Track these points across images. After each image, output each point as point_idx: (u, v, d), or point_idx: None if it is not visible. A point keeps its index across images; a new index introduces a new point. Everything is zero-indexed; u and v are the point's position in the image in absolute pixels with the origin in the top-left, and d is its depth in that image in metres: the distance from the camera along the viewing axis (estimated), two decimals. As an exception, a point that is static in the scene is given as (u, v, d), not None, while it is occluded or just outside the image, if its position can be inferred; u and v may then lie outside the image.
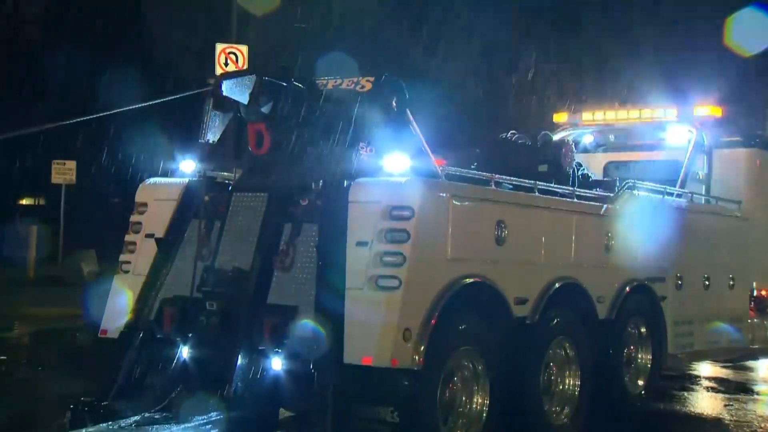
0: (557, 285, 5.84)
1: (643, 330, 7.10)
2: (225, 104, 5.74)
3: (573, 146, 7.56)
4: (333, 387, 4.62)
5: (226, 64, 15.10)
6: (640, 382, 7.06)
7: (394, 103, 5.31)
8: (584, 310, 6.22)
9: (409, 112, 5.28)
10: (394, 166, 5.08)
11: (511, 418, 5.41)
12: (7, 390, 7.71)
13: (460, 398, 5.20)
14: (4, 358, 9.46)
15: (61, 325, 12.23)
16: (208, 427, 4.71)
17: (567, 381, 6.08)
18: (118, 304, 5.64)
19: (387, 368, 4.61)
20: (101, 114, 7.89)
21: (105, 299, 5.77)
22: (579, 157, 7.95)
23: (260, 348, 4.95)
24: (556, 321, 5.88)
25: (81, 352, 8.96)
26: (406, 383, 4.61)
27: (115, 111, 7.57)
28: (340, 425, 4.61)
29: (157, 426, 4.70)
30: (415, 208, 4.85)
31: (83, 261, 17.34)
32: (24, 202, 28.77)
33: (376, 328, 4.69)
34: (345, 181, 5.09)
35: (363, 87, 5.52)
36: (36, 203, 27.96)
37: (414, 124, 5.25)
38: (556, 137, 8.13)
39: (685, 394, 8.31)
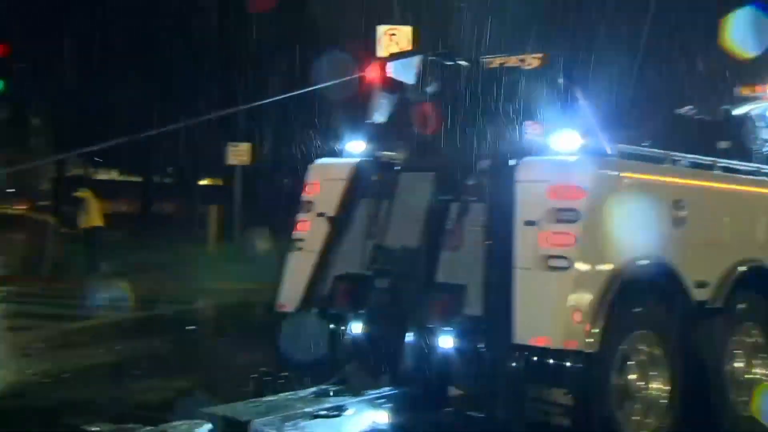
0: (742, 268, 5.50)
1: None
2: (392, 85, 5.84)
3: (758, 121, 7.05)
4: (503, 367, 4.63)
5: (389, 46, 15.29)
6: None
7: (562, 80, 5.20)
8: (776, 294, 5.81)
9: (578, 88, 5.14)
10: (564, 144, 4.98)
11: (694, 407, 5.18)
12: (195, 359, 8.33)
13: (637, 383, 5.03)
14: (194, 327, 10.20)
15: (239, 299, 13.01)
16: (381, 401, 4.84)
17: (757, 370, 5.72)
18: (293, 279, 5.88)
19: (559, 350, 4.55)
20: (274, 98, 8.25)
21: (280, 275, 6.05)
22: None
23: (429, 326, 5.03)
24: (741, 306, 5.54)
25: (259, 324, 9.48)
26: (580, 365, 4.53)
27: (287, 95, 7.89)
28: (511, 405, 4.62)
29: (333, 398, 4.89)
30: (586, 187, 4.73)
31: (257, 238, 18.28)
32: (203, 182, 30.68)
33: (546, 309, 4.64)
34: (512, 160, 5.04)
35: (530, 64, 5.44)
36: (214, 183, 29.69)
37: (584, 100, 5.11)
38: (737, 112, 7.61)
39: None
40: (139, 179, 31.47)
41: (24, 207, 24.88)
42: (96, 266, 15.13)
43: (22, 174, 24.28)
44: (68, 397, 6.51)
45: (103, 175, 31.89)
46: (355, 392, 4.95)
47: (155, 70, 23.90)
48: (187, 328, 10.13)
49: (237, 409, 4.72)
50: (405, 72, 5.71)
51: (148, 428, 4.60)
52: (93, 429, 4.87)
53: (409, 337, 5.03)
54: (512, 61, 5.55)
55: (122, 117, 22.15)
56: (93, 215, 15.39)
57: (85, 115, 24.11)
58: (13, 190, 26.63)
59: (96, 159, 27.74)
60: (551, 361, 4.57)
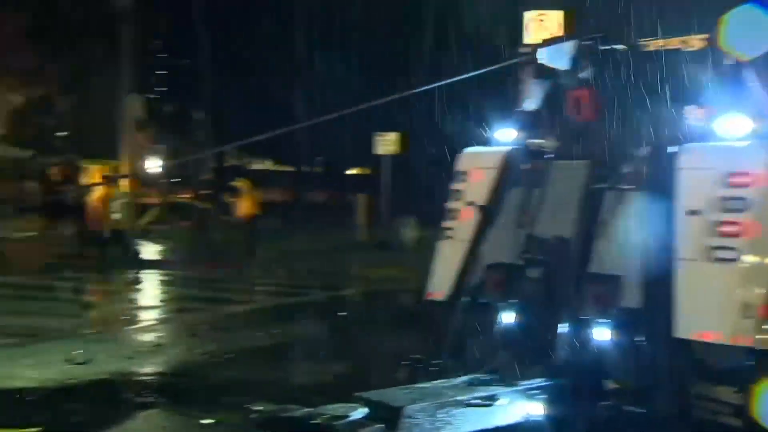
0: None
1: None
2: (543, 72, 5.74)
3: None
4: (664, 361, 4.46)
5: (538, 31, 15.00)
6: None
7: (729, 62, 4.90)
8: None
9: (748, 69, 4.83)
10: (731, 129, 4.70)
11: None
12: (347, 344, 8.57)
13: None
14: (345, 313, 10.49)
15: (389, 286, 13.25)
16: (534, 392, 4.78)
17: None
18: (443, 268, 5.91)
19: (726, 346, 4.32)
20: (424, 88, 8.29)
21: (428, 263, 6.11)
22: None
23: (584, 317, 4.92)
24: None
25: (409, 311, 9.63)
26: (751, 363, 4.28)
27: (436, 84, 7.90)
28: (674, 402, 4.44)
29: (485, 387, 4.87)
30: (757, 174, 4.45)
31: (405, 227, 18.51)
32: (352, 172, 31.39)
33: (712, 303, 4.41)
34: (673, 147, 4.83)
35: (692, 46, 5.18)
36: (363, 173, 30.30)
37: (754, 82, 4.79)
38: None
39: None
40: (290, 169, 32.64)
41: (188, 196, 26.49)
42: (253, 253, 15.82)
43: (186, 165, 25.81)
44: (232, 377, 6.89)
45: (257, 165, 33.31)
46: (508, 382, 4.91)
47: (307, 64, 24.67)
48: (338, 313, 10.43)
49: (390, 395, 4.80)
50: (557, 57, 5.58)
51: (306, 409, 4.78)
52: (256, 408, 5.12)
53: (563, 328, 4.94)
54: (673, 43, 5.30)
55: (277, 109, 23.03)
56: (249, 204, 16.09)
57: (243, 108, 25.30)
58: (179, 179, 28.34)
59: (253, 149, 29.01)
60: (718, 357, 4.35)
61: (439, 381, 5.10)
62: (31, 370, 6.61)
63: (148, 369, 7.08)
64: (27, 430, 5.02)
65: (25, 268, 13.67)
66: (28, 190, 25.28)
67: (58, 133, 28.95)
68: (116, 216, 13.85)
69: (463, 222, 5.94)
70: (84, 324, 8.91)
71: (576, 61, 5.44)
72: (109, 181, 15.04)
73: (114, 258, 14.13)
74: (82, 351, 7.15)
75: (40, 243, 16.10)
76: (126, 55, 15.75)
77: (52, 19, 22.63)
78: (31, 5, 23.65)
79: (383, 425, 4.43)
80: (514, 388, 4.81)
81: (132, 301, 11.59)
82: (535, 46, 5.96)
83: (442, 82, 7.97)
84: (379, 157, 20.48)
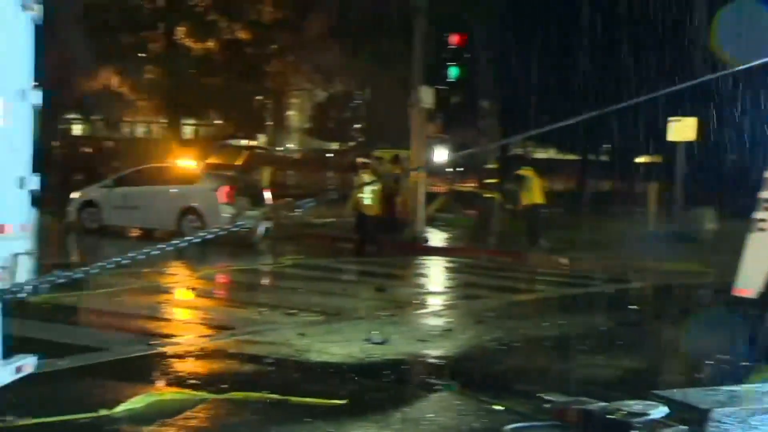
0: None
1: None
2: None
3: None
4: None
5: None
6: None
7: None
8: None
9: None
10: None
11: None
12: (639, 339, 8.17)
13: None
14: (636, 307, 10.03)
15: (684, 281, 12.43)
16: None
17: None
18: (755, 263, 5.46)
19: None
20: (725, 72, 7.65)
21: (730, 257, 5.64)
22: None
23: None
24: None
25: (709, 308, 8.98)
26: None
27: (740, 68, 7.24)
28: None
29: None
30: None
31: (702, 218, 17.24)
32: (641, 160, 29.95)
33: None
34: None
35: None
36: (653, 161, 28.80)
37: None
38: None
39: None
40: (576, 157, 31.97)
41: (472, 184, 27.07)
42: (536, 242, 15.71)
43: (472, 154, 26.35)
44: (520, 365, 6.89)
45: (541, 154, 33.07)
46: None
47: (593, 52, 23.97)
48: (629, 307, 9.99)
49: (694, 396, 4.51)
50: None
51: (602, 404, 4.63)
52: (548, 398, 5.08)
53: None
54: None
55: (562, 97, 22.67)
56: (534, 193, 15.97)
57: (528, 96, 25.26)
58: (462, 169, 29.09)
59: (538, 139, 28.86)
60: None
61: (750, 385, 4.69)
62: (336, 347, 7.13)
63: (439, 352, 7.30)
64: (333, 401, 5.39)
65: (326, 252, 14.89)
66: (329, 179, 27.52)
67: (356, 125, 31.15)
68: (367, 202, 14.49)
69: (779, 213, 5.40)
70: (379, 306, 9.43)
71: None
72: (368, 168, 15.83)
73: (400, 243, 14.83)
74: (378, 332, 7.57)
75: (339, 229, 17.41)
76: (418, 48, 16.42)
77: (352, 17, 24.32)
78: (335, 6, 25.59)
79: (687, 428, 4.16)
80: None
81: (420, 285, 12.07)
82: None
83: (750, 64, 7.28)
84: (672, 144, 19.25)
